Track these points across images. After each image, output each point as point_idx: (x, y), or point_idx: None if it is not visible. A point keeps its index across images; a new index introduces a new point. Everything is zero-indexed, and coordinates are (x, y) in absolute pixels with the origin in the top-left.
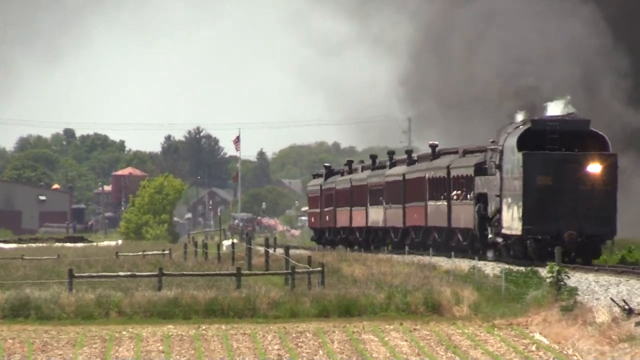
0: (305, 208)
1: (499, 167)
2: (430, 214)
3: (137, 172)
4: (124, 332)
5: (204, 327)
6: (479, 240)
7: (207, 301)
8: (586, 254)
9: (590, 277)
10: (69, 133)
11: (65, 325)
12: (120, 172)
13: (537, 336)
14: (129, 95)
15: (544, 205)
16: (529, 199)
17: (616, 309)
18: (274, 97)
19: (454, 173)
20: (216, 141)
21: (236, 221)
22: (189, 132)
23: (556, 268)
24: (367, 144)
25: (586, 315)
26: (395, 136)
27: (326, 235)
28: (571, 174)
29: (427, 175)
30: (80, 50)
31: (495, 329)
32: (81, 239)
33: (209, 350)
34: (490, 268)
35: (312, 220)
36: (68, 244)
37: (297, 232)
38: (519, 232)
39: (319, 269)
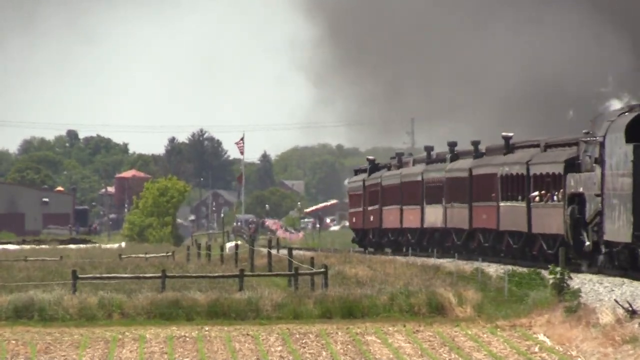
0: (308, 209)
1: (600, 162)
2: (503, 216)
3: (141, 174)
4: (127, 334)
5: (206, 329)
6: (572, 248)
7: (210, 303)
8: None
9: (594, 278)
10: (73, 135)
11: (68, 326)
12: (123, 175)
13: (541, 337)
14: (132, 98)
15: None
16: None
17: (620, 311)
18: (276, 99)
19: (535, 170)
20: (219, 143)
21: (239, 223)
22: (193, 135)
23: (559, 269)
24: (369, 145)
25: (590, 317)
26: (399, 137)
27: (370, 237)
28: None
29: (499, 172)
30: (83, 52)
31: (499, 330)
32: (84, 241)
33: (212, 352)
34: (494, 269)
35: (354, 220)
36: (71, 246)
37: (299, 236)
38: (627, 239)
39: (322, 270)
